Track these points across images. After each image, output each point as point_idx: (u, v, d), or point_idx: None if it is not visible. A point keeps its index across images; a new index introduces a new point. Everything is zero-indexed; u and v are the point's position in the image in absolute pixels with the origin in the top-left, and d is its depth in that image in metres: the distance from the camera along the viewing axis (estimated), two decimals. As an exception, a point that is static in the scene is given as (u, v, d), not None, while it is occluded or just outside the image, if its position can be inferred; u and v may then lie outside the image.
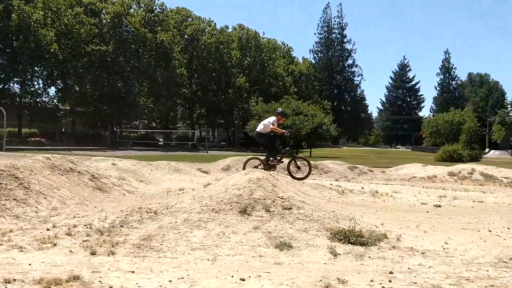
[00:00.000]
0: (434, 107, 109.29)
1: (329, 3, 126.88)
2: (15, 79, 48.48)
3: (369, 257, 5.55)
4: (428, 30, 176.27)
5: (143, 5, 58.42)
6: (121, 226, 6.50)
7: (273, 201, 7.03)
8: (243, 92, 65.85)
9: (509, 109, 60.78)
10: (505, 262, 5.40)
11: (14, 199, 7.88)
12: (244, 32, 69.97)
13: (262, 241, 5.88)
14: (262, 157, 11.10)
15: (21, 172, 8.84)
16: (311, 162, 11.95)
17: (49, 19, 48.16)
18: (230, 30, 70.26)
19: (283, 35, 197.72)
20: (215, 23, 68.29)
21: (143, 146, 50.89)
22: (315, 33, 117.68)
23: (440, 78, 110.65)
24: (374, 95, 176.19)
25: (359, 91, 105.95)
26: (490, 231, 7.20)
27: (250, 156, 13.79)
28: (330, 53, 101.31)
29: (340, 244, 5.92)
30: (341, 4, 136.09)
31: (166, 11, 62.72)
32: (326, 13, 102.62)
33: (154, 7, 59.59)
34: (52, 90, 54.33)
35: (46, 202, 8.26)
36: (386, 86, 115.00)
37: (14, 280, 4.27)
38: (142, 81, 55.37)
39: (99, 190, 10.51)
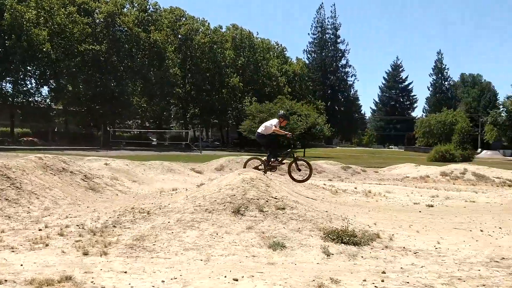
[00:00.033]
0: (427, 107, 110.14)
1: (322, 3, 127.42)
2: (8, 78, 48.23)
3: (362, 256, 5.56)
4: (421, 31, 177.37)
5: (136, 4, 58.23)
6: (114, 226, 6.47)
7: (267, 201, 7.03)
8: (237, 92, 65.84)
9: (501, 109, 61.10)
10: (496, 261, 5.43)
11: (6, 199, 7.82)
12: (238, 32, 69.95)
13: (256, 241, 5.88)
14: (263, 157, 11.10)
15: (13, 172, 8.78)
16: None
17: (42, 18, 47.87)
18: (224, 30, 70.26)
19: (277, 35, 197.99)
20: (208, 23, 68.36)
21: (136, 146, 50.72)
22: (308, 33, 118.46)
23: (432, 78, 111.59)
24: (367, 95, 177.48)
25: (352, 92, 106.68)
26: (482, 230, 7.25)
27: (251, 156, 13.75)
28: (323, 54, 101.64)
29: (333, 244, 5.93)
30: (334, 4, 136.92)
31: (160, 11, 62.58)
32: (320, 14, 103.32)
33: (148, 6, 59.42)
34: (45, 90, 54.18)
35: (38, 202, 8.21)
36: (379, 86, 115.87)
37: (6, 280, 4.24)
38: (135, 80, 55.19)
39: (92, 190, 10.46)
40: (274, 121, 10.72)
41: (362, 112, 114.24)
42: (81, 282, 4.30)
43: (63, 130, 57.64)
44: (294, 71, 77.11)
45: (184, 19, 64.75)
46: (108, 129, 54.33)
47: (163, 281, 4.42)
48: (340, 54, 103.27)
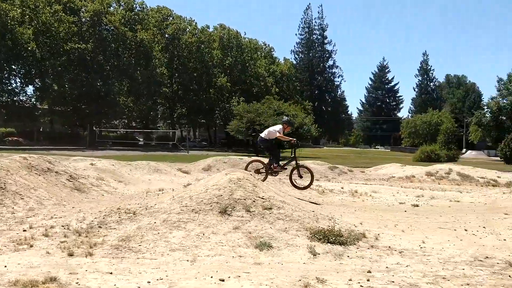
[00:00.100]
0: (413, 108, 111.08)
1: (309, 4, 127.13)
2: (-8, 77, 47.49)
3: (348, 256, 5.60)
4: (407, 32, 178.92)
5: (123, 3, 57.77)
6: (99, 227, 6.42)
7: (254, 201, 7.04)
8: (224, 92, 65.68)
9: (485, 110, 61.83)
10: (480, 260, 5.51)
11: (-11, 200, 7.72)
12: (225, 32, 69.77)
13: (242, 241, 5.89)
14: (266, 160, 11.08)
15: (-3, 172, 8.67)
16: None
17: (27, 16, 47.26)
18: (211, 29, 70.03)
19: (264, 35, 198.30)
20: (196, 23, 68.04)
21: (122, 146, 50.31)
22: (296, 34, 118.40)
23: (418, 79, 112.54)
24: (354, 96, 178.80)
25: (339, 92, 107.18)
26: (466, 230, 7.34)
27: (253, 159, 13.66)
28: (311, 54, 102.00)
29: (320, 243, 5.96)
30: (321, 5, 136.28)
31: (147, 10, 62.15)
32: (307, 14, 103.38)
33: (134, 5, 58.97)
34: (30, 89, 53.38)
35: (23, 203, 8.12)
36: (365, 87, 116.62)
37: (-11, 282, 4.19)
38: (122, 80, 54.71)
39: (77, 191, 10.37)
40: (278, 127, 10.69)
41: (349, 112, 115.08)
42: (66, 283, 4.26)
43: (49, 130, 56.95)
44: (282, 72, 77.15)
45: (171, 18, 64.42)
46: (94, 129, 53.85)
47: (149, 282, 4.40)
48: (327, 55, 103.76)
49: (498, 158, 49.16)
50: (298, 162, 10.72)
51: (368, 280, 4.61)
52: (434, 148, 44.01)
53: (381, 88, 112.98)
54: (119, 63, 53.83)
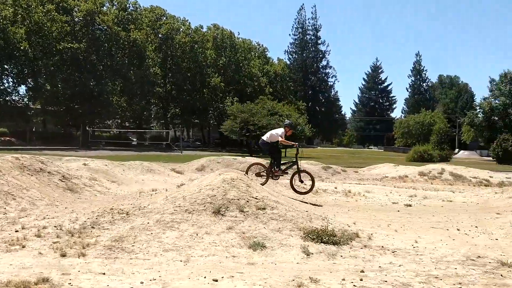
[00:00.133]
0: (406, 108, 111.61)
1: (303, 4, 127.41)
2: (-16, 77, 47.14)
3: (341, 256, 5.61)
4: (400, 33, 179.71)
5: (116, 3, 57.53)
6: (92, 227, 6.40)
7: (247, 201, 7.03)
8: (218, 92, 65.57)
9: (478, 110, 62.19)
10: (472, 260, 5.54)
11: (-19, 201, 7.67)
12: (219, 32, 69.66)
13: (236, 242, 5.88)
14: (265, 162, 11.02)
15: (-12, 172, 8.61)
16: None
17: (19, 16, 46.87)
18: (204, 29, 69.89)
19: (258, 35, 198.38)
20: (189, 23, 67.86)
21: (116, 146, 50.10)
22: (289, 34, 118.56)
23: (411, 80, 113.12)
24: (347, 96, 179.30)
25: (333, 92, 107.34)
26: (458, 229, 7.38)
27: (254, 162, 13.56)
28: (304, 54, 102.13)
29: (313, 243, 5.97)
30: (315, 6, 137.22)
31: (140, 10, 61.94)
32: (301, 15, 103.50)
33: (128, 5, 58.74)
34: (22, 89, 52.94)
35: (15, 203, 8.07)
36: (359, 87, 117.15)
37: (-20, 283, 4.16)
38: (115, 80, 54.45)
39: (70, 191, 10.32)
40: (280, 131, 10.62)
41: (343, 112, 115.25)
42: (58, 284, 4.24)
43: (41, 130, 56.56)
44: (276, 72, 77.12)
45: (164, 18, 64.22)
46: (87, 129, 53.53)
47: (142, 282, 4.39)
48: (320, 55, 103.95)
49: (491, 158, 49.47)
50: (299, 167, 10.65)
51: (361, 280, 4.63)
52: (427, 148, 44.17)
53: (375, 89, 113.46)
54: (112, 63, 53.60)
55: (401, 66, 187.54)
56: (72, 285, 4.25)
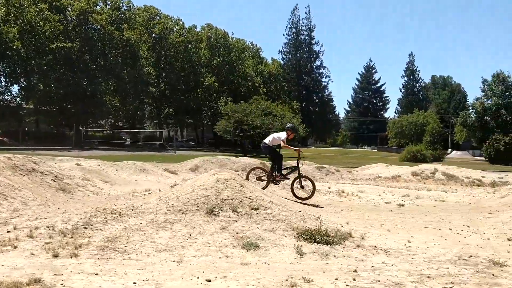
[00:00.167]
0: (399, 108, 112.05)
1: (297, 4, 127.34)
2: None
3: (334, 256, 5.63)
4: (393, 33, 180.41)
5: (109, 2, 57.30)
6: (85, 227, 6.37)
7: (241, 201, 7.03)
8: (212, 92, 65.47)
9: (470, 111, 62.62)
10: (464, 259, 5.58)
11: (-28, 201, 7.61)
12: (212, 32, 69.57)
13: (229, 242, 5.88)
14: (265, 165, 10.96)
15: (-20, 172, 8.55)
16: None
17: (12, 15, 46.58)
18: (198, 29, 69.77)
19: (252, 35, 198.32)
20: (183, 22, 67.69)
21: (109, 146, 49.90)
22: (283, 34, 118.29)
23: (404, 80, 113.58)
24: (341, 96, 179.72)
25: (326, 92, 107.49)
26: (451, 229, 7.43)
27: (255, 166, 13.44)
28: (298, 54, 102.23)
29: (306, 243, 5.98)
30: (309, 6, 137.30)
31: (133, 9, 61.74)
32: (295, 15, 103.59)
33: (121, 4, 58.51)
34: (15, 88, 52.60)
35: (7, 203, 8.01)
36: (352, 87, 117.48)
37: (-29, 284, 4.13)
38: (108, 79, 54.21)
39: (63, 191, 10.27)
40: (282, 134, 10.56)
41: (336, 112, 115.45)
42: (50, 284, 4.22)
43: (34, 130, 56.25)
44: (270, 72, 77.13)
45: (158, 18, 64.03)
46: (80, 128, 53.27)
47: (135, 283, 4.38)
48: (314, 55, 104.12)
49: (483, 158, 49.82)
50: (301, 172, 10.61)
51: (354, 280, 4.64)
52: (420, 148, 44.38)
53: (368, 89, 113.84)
54: (106, 63, 53.39)
55: (395, 67, 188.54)
56: (64, 286, 4.23)
